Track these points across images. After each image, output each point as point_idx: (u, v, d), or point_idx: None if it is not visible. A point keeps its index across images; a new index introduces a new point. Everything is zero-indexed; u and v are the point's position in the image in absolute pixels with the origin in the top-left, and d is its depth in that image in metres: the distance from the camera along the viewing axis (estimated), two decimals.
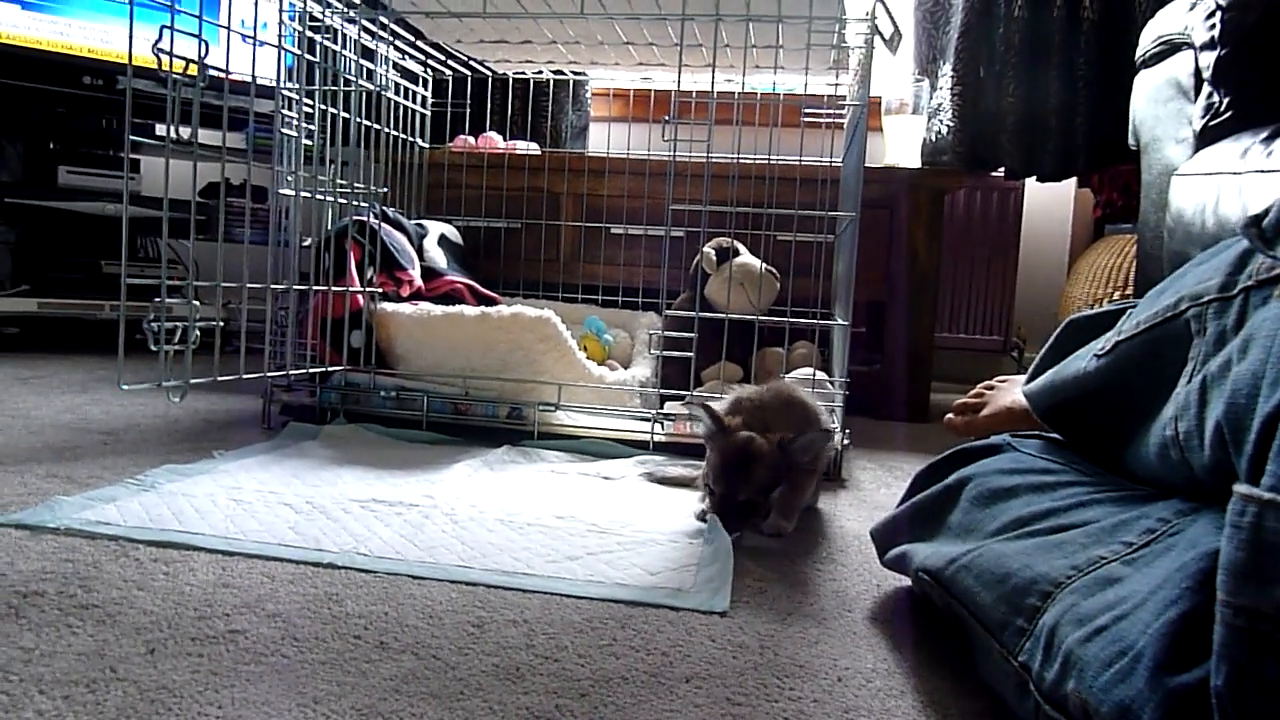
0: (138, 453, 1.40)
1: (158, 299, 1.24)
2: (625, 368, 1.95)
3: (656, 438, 1.59)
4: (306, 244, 1.70)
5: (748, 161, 2.00)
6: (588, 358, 1.75)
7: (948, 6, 2.70)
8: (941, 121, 2.68)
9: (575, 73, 2.45)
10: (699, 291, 1.88)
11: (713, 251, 1.95)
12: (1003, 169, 2.70)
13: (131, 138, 1.25)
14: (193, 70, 1.22)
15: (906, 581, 0.96)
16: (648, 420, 1.61)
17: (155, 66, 1.22)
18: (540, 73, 2.44)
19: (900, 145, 2.60)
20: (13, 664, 0.70)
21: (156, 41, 1.21)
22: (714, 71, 1.60)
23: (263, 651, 0.75)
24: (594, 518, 1.19)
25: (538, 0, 1.71)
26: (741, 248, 1.99)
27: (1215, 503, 0.63)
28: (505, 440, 1.58)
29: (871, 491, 1.46)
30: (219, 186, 1.63)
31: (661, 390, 1.71)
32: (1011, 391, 1.53)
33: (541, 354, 1.63)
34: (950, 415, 1.54)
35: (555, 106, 2.81)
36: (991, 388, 1.57)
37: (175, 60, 1.22)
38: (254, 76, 1.42)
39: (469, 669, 0.75)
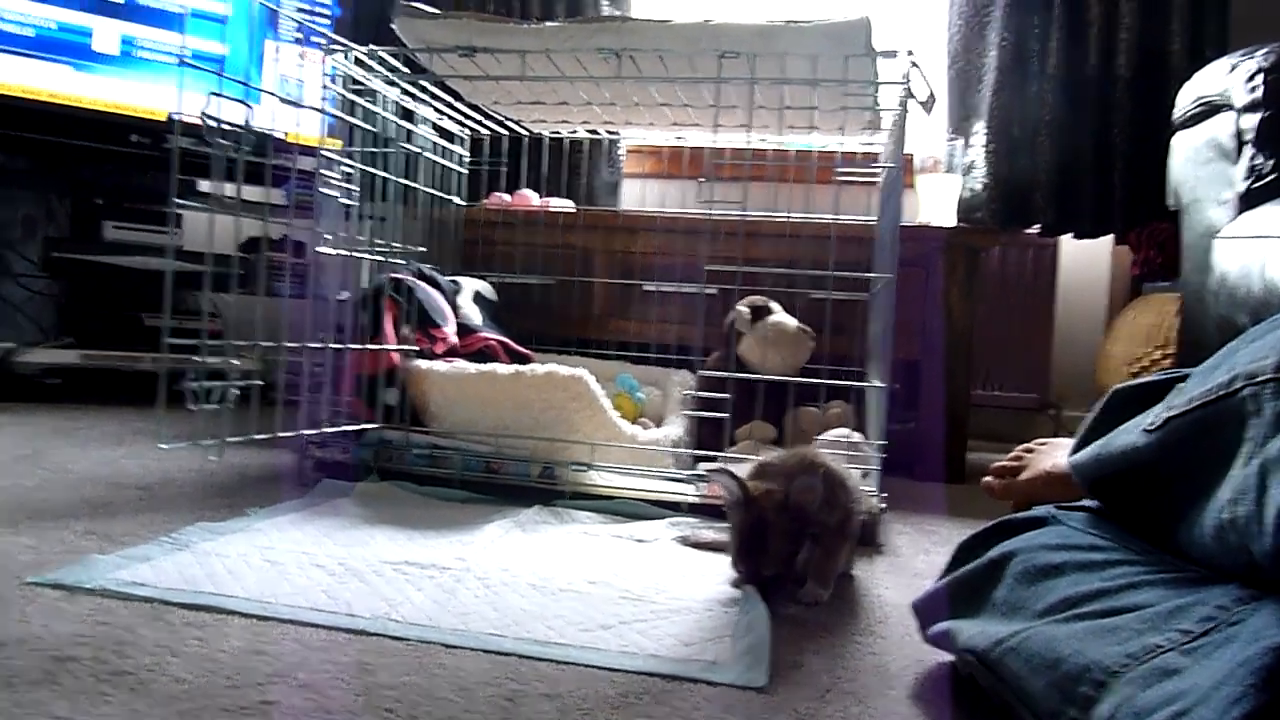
0: (173, 509, 1.40)
1: (196, 358, 1.25)
2: (658, 426, 1.94)
3: (689, 499, 1.57)
4: (342, 298, 1.72)
5: (782, 220, 2.00)
6: (620, 416, 1.75)
7: (980, 65, 2.71)
8: (975, 179, 2.67)
9: (610, 132, 2.48)
10: (732, 350, 1.87)
11: (746, 310, 1.95)
12: (1038, 226, 2.69)
13: (177, 200, 1.28)
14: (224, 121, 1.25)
15: (949, 657, 0.93)
16: (681, 481, 1.59)
17: (200, 118, 1.25)
18: (575, 132, 2.47)
19: (934, 203, 2.60)
20: None
21: (204, 108, 1.23)
22: (749, 132, 1.61)
23: None
24: (627, 583, 1.17)
25: (574, 64, 1.73)
26: (775, 306, 1.98)
27: (1276, 590, 0.61)
28: (537, 499, 1.57)
29: (910, 558, 1.44)
30: (259, 241, 1.66)
31: (695, 451, 1.70)
32: (1051, 455, 1.50)
33: (574, 412, 1.63)
34: (988, 479, 1.52)
35: (589, 164, 2.84)
36: (1031, 450, 1.54)
37: (220, 127, 1.25)
38: (276, 129, 1.45)
39: None
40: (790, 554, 1.11)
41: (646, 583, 1.18)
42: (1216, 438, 0.68)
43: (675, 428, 1.87)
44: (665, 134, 2.41)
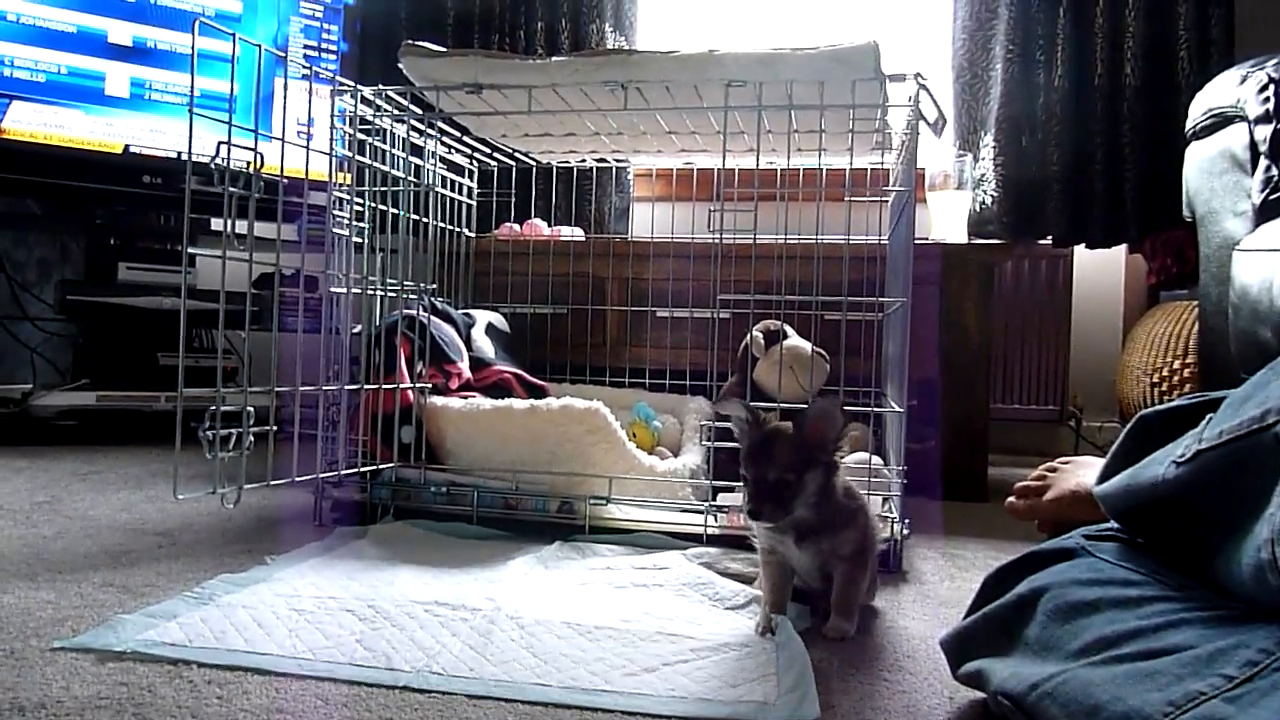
0: (192, 556, 1.40)
1: (211, 409, 1.25)
2: (675, 454, 1.92)
3: (710, 530, 1.56)
4: (356, 330, 1.72)
5: (793, 241, 1.99)
6: (637, 446, 1.74)
7: (986, 78, 2.71)
8: (985, 192, 2.66)
9: (618, 160, 2.48)
10: (748, 375, 1.86)
11: (761, 335, 1.94)
12: (1049, 237, 2.67)
13: (190, 249, 1.28)
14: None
15: (981, 695, 0.92)
16: (700, 512, 1.58)
17: (212, 167, 1.26)
18: (583, 161, 2.47)
19: (945, 219, 2.58)
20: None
21: (214, 157, 1.24)
22: (758, 158, 1.60)
23: None
24: (660, 620, 1.16)
25: (581, 97, 1.73)
26: (790, 330, 1.97)
27: None
28: (556, 534, 1.56)
29: (935, 585, 1.42)
30: (271, 278, 1.66)
31: (713, 482, 1.69)
32: (1075, 474, 1.48)
33: (590, 445, 1.62)
34: (1012, 499, 1.50)
35: (598, 190, 2.84)
36: (1055, 469, 1.52)
37: (231, 170, 1.25)
38: (290, 171, 1.45)
39: None
40: (797, 464, 1.09)
41: (681, 619, 1.17)
42: (1249, 473, 0.67)
43: (693, 456, 1.86)
44: (673, 159, 2.41)
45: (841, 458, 1.13)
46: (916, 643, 1.14)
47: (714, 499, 1.61)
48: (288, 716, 0.86)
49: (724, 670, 1.01)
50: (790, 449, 1.09)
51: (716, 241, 1.58)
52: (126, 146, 2.60)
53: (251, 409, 1.31)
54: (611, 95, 1.68)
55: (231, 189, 1.26)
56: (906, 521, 1.55)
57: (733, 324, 2.04)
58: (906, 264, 1.58)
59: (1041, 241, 2.74)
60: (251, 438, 1.32)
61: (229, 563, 1.36)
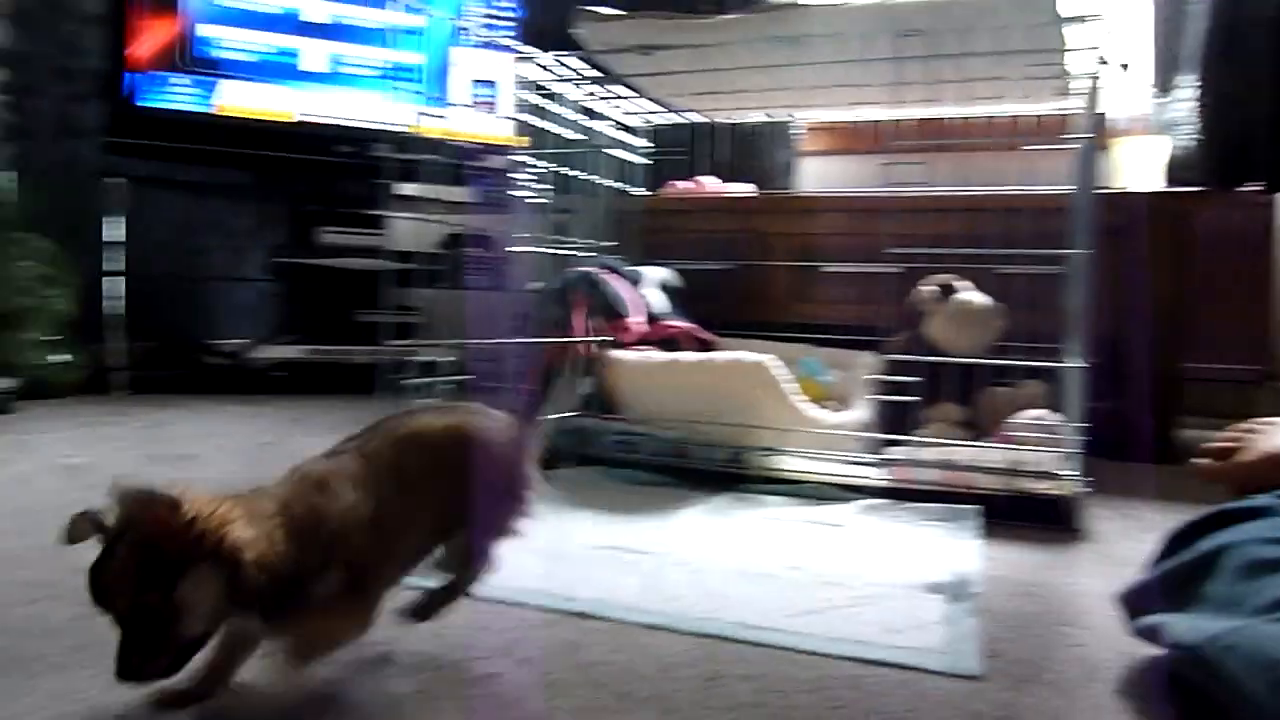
0: None
1: (410, 358, 1.37)
2: (843, 409, 1.93)
3: (878, 482, 1.57)
4: (534, 287, 1.81)
5: (967, 193, 1.94)
6: (805, 400, 1.76)
7: (1187, 15, 2.52)
8: (1184, 136, 2.49)
9: (787, 115, 2.47)
10: (919, 330, 1.84)
11: (932, 288, 1.91)
12: (1256, 183, 2.48)
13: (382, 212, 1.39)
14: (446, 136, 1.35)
15: (1157, 650, 0.91)
16: (868, 465, 1.59)
17: (401, 135, 1.36)
18: (752, 117, 2.48)
19: (1136, 166, 2.44)
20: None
21: (411, 121, 1.34)
22: (931, 107, 1.58)
23: (515, 698, 0.82)
24: (825, 569, 1.20)
25: (751, 54, 1.75)
26: (963, 283, 1.93)
27: None
28: (725, 484, 1.61)
29: (1112, 545, 1.38)
30: (454, 238, 1.79)
31: (882, 434, 1.69)
32: (1273, 436, 1.40)
33: (759, 399, 1.65)
34: (1200, 460, 1.44)
35: (765, 145, 2.84)
36: (1250, 430, 1.44)
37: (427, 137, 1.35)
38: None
39: None
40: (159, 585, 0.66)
41: (844, 569, 1.20)
42: None
43: (861, 411, 1.87)
44: (843, 112, 2.38)
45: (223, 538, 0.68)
46: (1091, 600, 1.13)
47: (882, 451, 1.62)
48: (490, 632, 0.96)
49: (884, 617, 1.04)
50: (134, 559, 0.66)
51: (888, 192, 1.57)
52: (322, 119, 2.79)
53: (450, 359, 1.42)
54: (781, 51, 1.68)
55: (427, 155, 1.36)
56: (1085, 480, 1.51)
57: (904, 279, 2.02)
58: (1088, 214, 1.52)
59: (1246, 188, 2.54)
60: (448, 387, 1.43)
61: None
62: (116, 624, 0.66)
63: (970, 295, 1.90)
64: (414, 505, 0.82)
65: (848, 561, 1.23)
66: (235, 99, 2.69)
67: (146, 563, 0.65)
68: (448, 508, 0.86)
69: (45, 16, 2.80)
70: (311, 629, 0.73)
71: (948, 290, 1.91)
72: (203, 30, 2.63)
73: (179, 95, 2.63)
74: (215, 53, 2.66)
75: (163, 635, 0.66)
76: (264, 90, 2.72)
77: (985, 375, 1.73)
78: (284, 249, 2.99)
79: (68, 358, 2.46)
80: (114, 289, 2.60)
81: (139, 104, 2.58)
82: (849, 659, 0.92)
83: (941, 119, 2.14)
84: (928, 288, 1.91)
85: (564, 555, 1.22)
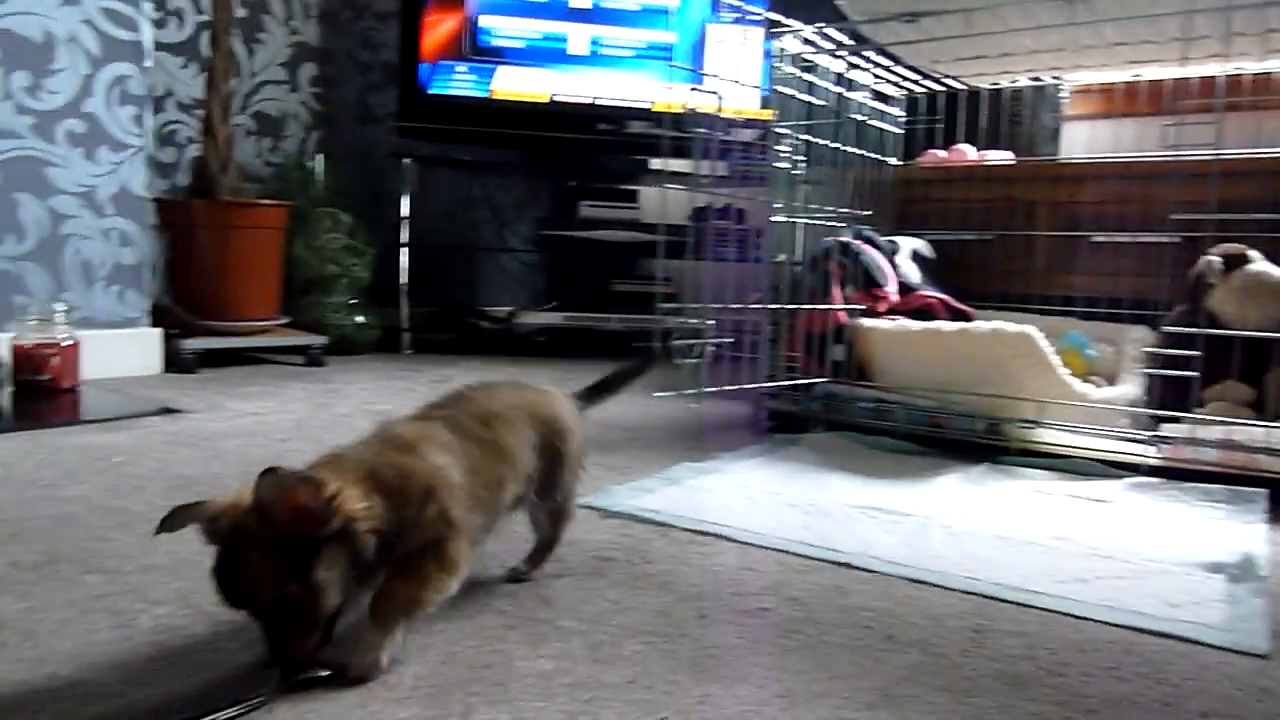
0: (655, 448, 1.64)
1: (681, 320, 1.46)
2: (1110, 385, 1.85)
3: (1150, 460, 1.50)
4: (779, 260, 1.85)
5: (1261, 155, 1.79)
6: (1069, 374, 1.70)
7: None
8: None
9: (1054, 77, 2.36)
10: (1201, 303, 1.73)
11: (1219, 259, 1.78)
12: None
13: (636, 186, 1.48)
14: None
15: None
16: (1140, 442, 1.52)
17: (655, 112, 1.44)
18: (1016, 81, 2.39)
19: None
20: (607, 612, 0.89)
21: (684, 99, 1.42)
22: (1225, 63, 1.47)
23: (789, 628, 0.88)
24: (1094, 541, 1.17)
25: (1021, 15, 1.69)
26: (1254, 254, 1.78)
27: None
28: (982, 456, 1.60)
29: None
30: (703, 211, 1.87)
31: (1155, 411, 1.61)
32: None
33: (1021, 370, 1.62)
34: None
35: (1029, 111, 2.72)
36: None
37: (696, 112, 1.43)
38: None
39: (973, 670, 0.81)
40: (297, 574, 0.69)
41: (1115, 542, 1.17)
42: None
43: (1131, 387, 1.78)
44: (1118, 72, 2.25)
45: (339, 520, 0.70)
46: None
47: (1156, 429, 1.54)
48: (756, 573, 1.02)
49: (1162, 590, 1.01)
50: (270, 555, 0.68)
51: (1171, 157, 1.49)
52: (584, 99, 2.95)
53: (711, 322, 1.50)
54: (1055, 10, 1.62)
55: (680, 130, 1.43)
56: None
57: (1183, 250, 1.89)
58: None
59: None
60: (711, 348, 1.51)
61: (684, 455, 1.57)
62: (258, 618, 0.69)
63: (1262, 266, 1.76)
64: (495, 472, 0.85)
65: (1118, 536, 1.20)
66: (509, 83, 2.90)
67: (283, 555, 0.67)
68: (529, 474, 0.90)
69: (348, 15, 3.14)
70: (406, 588, 0.75)
71: (1237, 261, 1.77)
72: (484, 21, 2.86)
73: (462, 82, 2.87)
74: (494, 41, 2.88)
75: (309, 618, 0.69)
76: (534, 74, 2.92)
77: (1277, 353, 1.60)
78: (547, 222, 3.19)
79: (365, 319, 2.76)
80: (403, 259, 2.89)
81: (430, 92, 2.85)
82: (1123, 626, 0.91)
83: (1234, 76, 1.97)
84: (1213, 258, 1.79)
85: (822, 511, 1.27)
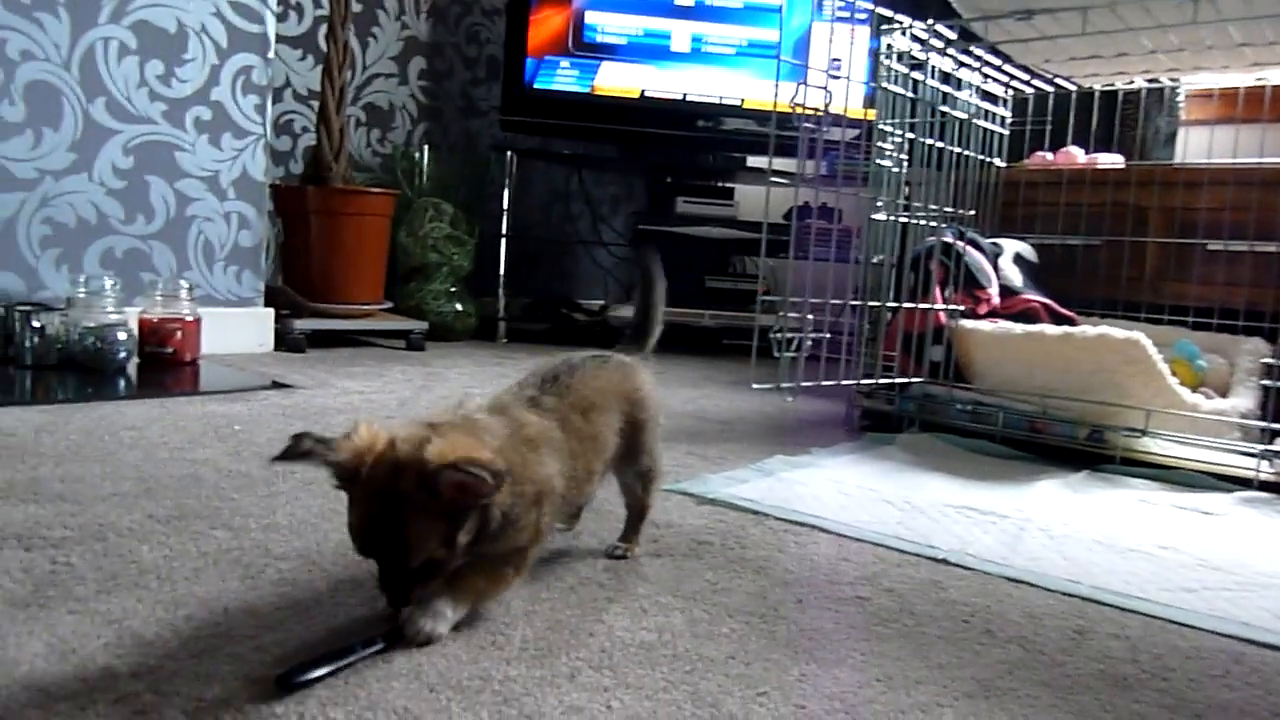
0: (748, 441, 1.65)
1: (781, 313, 1.46)
2: (1221, 396, 1.79)
3: (1263, 475, 1.45)
4: (876, 261, 1.84)
5: None
6: (1178, 383, 1.65)
7: None
8: None
9: (1172, 79, 2.29)
10: None
11: None
12: None
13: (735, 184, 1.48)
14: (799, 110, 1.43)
15: None
16: (1252, 456, 1.47)
17: (754, 109, 1.45)
18: (1131, 82, 2.32)
19: None
20: (704, 592, 0.91)
21: (794, 95, 1.42)
22: None
23: (886, 617, 0.88)
24: (1202, 553, 1.14)
25: (1141, 13, 1.65)
26: None
27: None
28: (1082, 463, 1.57)
29: None
30: (802, 210, 1.87)
31: (1270, 424, 1.55)
32: None
33: (1128, 377, 1.58)
34: None
35: (1142, 115, 2.64)
36: None
37: (804, 108, 1.43)
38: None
39: (1074, 669, 0.80)
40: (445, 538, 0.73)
41: (1224, 554, 1.14)
42: None
43: (1244, 399, 1.72)
44: (1241, 75, 2.17)
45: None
46: None
47: (1270, 442, 1.49)
48: (852, 564, 1.03)
49: (1273, 605, 0.99)
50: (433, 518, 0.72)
51: None
52: (684, 95, 2.97)
53: (810, 317, 1.51)
54: (1177, 9, 1.58)
55: (802, 126, 1.44)
56: None
57: None
58: None
59: None
60: (809, 343, 1.51)
61: (778, 449, 1.58)
62: (390, 568, 0.73)
63: None
64: (590, 467, 0.88)
65: (1227, 549, 1.17)
66: (611, 79, 2.94)
67: (443, 523, 0.71)
68: (612, 456, 0.93)
69: (456, 10, 3.22)
70: (483, 580, 0.78)
71: None
72: (590, 17, 2.90)
73: (565, 77, 2.92)
74: (598, 37, 2.92)
75: (438, 573, 0.74)
76: (636, 70, 2.95)
77: None
78: (643, 217, 3.22)
79: (463, 307, 2.84)
80: (502, 250, 2.95)
81: (534, 87, 2.91)
82: (1231, 637, 0.89)
83: None
84: None
85: (918, 509, 1.26)
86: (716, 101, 2.98)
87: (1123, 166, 2.38)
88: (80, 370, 1.82)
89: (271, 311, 2.35)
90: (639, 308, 1.15)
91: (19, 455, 1.20)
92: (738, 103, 2.96)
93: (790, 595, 0.92)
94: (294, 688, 0.66)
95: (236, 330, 2.26)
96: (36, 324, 1.83)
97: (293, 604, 0.81)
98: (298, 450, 0.71)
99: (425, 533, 0.71)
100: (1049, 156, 2.41)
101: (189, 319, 2.00)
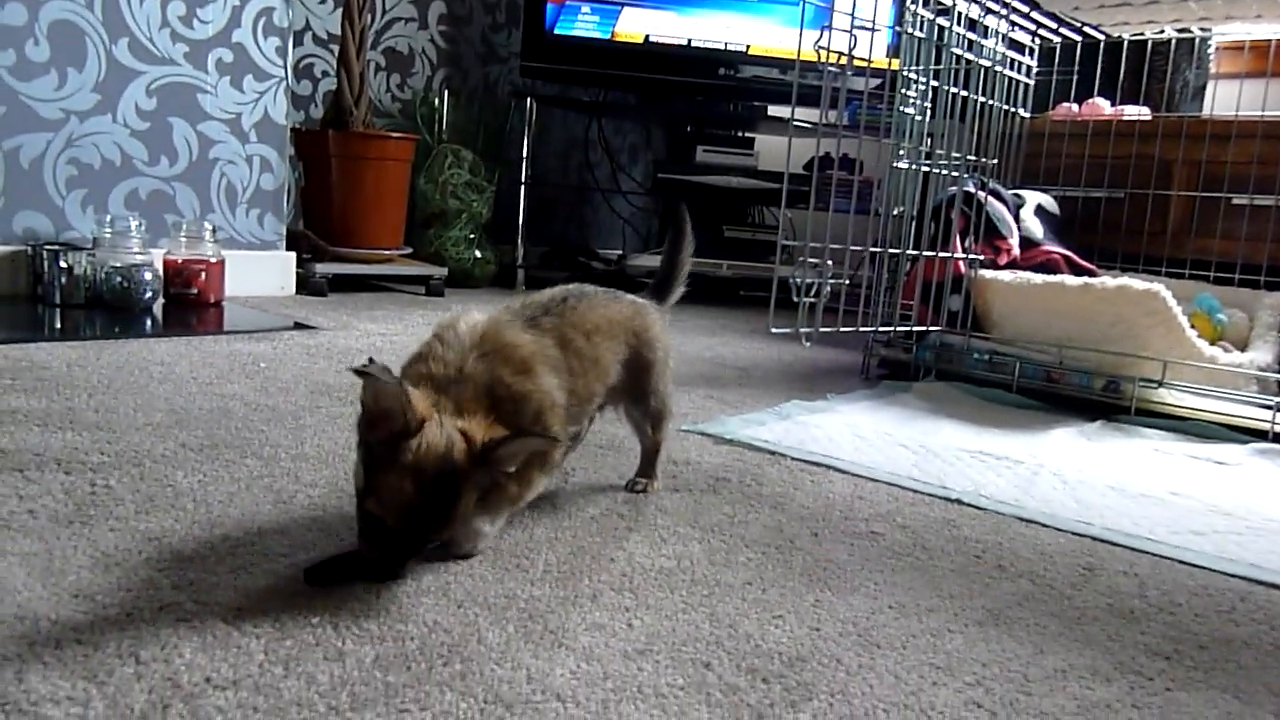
0: (766, 387, 1.67)
1: (801, 259, 1.47)
2: (1240, 351, 1.79)
3: (1278, 427, 1.46)
4: (896, 213, 1.83)
5: None
6: (1198, 337, 1.65)
7: None
8: None
9: (1203, 29, 2.25)
10: None
11: None
12: None
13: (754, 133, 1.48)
14: (843, 61, 1.42)
15: None
16: (1268, 408, 1.48)
17: (777, 58, 1.44)
18: (1161, 32, 2.29)
19: None
20: (722, 524, 0.93)
21: (817, 40, 1.42)
22: None
23: (900, 551, 0.90)
24: (1213, 499, 1.16)
25: None
26: None
27: None
28: (1098, 413, 1.57)
29: None
30: (818, 161, 1.87)
31: None
32: None
33: (1146, 329, 1.58)
34: None
35: (1171, 66, 2.60)
36: None
37: (830, 53, 1.43)
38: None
39: (1083, 602, 0.82)
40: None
41: (1235, 501, 1.16)
42: None
43: (1263, 353, 1.72)
44: (1274, 26, 2.13)
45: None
46: None
47: None
48: (867, 502, 1.05)
49: None
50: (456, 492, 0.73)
51: None
52: (705, 42, 2.94)
53: (829, 262, 1.51)
54: None
55: (825, 74, 1.43)
56: None
57: None
58: None
59: None
60: (828, 289, 1.52)
61: (795, 395, 1.59)
62: (414, 539, 0.72)
63: None
64: (591, 387, 0.90)
65: (1239, 496, 1.18)
66: (631, 25, 2.91)
67: (466, 495, 0.72)
68: (614, 386, 0.94)
69: None
70: (513, 487, 0.80)
71: None
72: None
73: (585, 23, 2.90)
74: None
75: (436, 542, 0.74)
76: (656, 17, 2.92)
77: None
78: (662, 166, 3.21)
79: (482, 254, 2.85)
80: (521, 197, 2.95)
81: (554, 33, 2.88)
82: (1239, 577, 0.91)
83: None
84: None
85: (933, 453, 1.28)
86: (738, 49, 2.95)
87: (1149, 119, 2.35)
88: (107, 309, 1.85)
89: (293, 255, 2.37)
90: (665, 261, 1.15)
91: (54, 387, 1.23)
92: (760, 50, 2.93)
93: (806, 529, 0.94)
94: (321, 584, 0.72)
95: (259, 273, 2.28)
96: (64, 264, 1.85)
97: (323, 527, 0.84)
98: (369, 376, 0.70)
99: (468, 507, 0.73)
100: (1074, 108, 2.38)
101: (213, 261, 2.02)
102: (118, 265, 1.87)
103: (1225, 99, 2.62)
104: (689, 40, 2.93)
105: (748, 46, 2.93)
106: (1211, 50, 2.65)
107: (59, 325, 1.71)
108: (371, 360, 0.71)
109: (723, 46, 2.94)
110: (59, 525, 0.79)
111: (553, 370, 0.84)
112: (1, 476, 0.89)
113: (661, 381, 1.00)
